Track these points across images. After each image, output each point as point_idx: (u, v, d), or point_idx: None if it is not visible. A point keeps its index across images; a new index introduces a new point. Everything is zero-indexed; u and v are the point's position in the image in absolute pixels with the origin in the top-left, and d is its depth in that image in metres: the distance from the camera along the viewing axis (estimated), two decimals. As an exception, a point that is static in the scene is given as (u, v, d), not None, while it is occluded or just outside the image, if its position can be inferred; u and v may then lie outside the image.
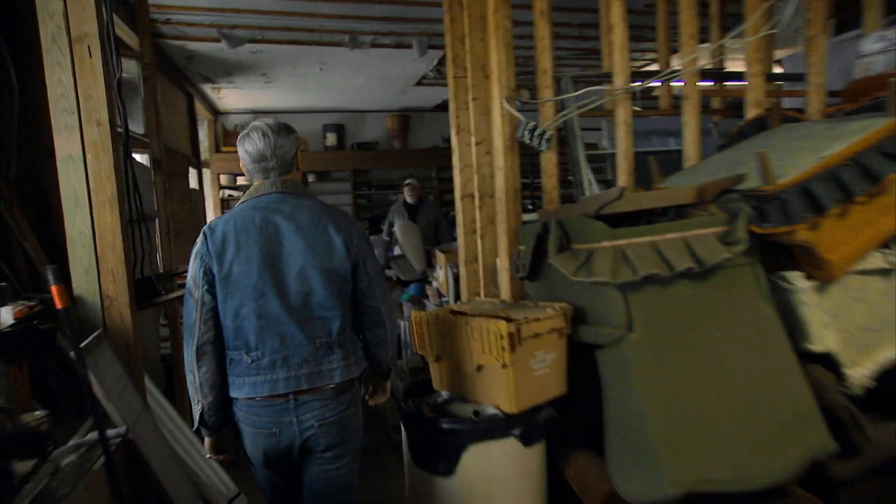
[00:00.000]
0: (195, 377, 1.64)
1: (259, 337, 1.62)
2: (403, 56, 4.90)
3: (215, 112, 7.45)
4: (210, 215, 7.36)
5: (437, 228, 5.89)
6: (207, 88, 6.05)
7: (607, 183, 3.27)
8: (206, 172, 7.31)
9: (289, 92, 6.58)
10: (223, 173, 7.57)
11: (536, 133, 2.29)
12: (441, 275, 3.90)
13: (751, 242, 1.45)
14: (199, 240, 1.66)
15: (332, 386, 1.62)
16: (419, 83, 6.37)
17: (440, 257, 3.97)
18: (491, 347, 1.60)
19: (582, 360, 1.59)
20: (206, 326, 1.63)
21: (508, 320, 1.65)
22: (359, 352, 1.74)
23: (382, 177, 8.31)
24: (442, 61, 5.17)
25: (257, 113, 7.78)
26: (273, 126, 1.70)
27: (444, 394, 1.93)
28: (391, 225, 5.94)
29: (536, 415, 1.66)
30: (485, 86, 2.67)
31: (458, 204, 2.99)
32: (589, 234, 1.60)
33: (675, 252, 1.44)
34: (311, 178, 8.10)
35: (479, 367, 1.62)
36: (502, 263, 2.40)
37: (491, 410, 1.70)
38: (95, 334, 1.72)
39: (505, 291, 2.45)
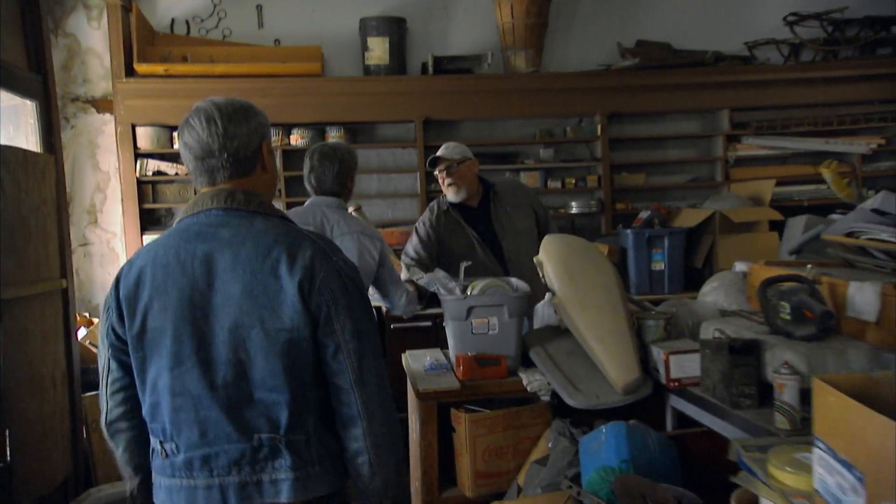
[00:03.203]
0: (115, 453, 1.65)
1: (174, 424, 1.49)
2: None
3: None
4: (112, 226, 4.66)
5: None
6: None
7: None
8: (102, 122, 4.59)
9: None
10: (144, 124, 4.50)
11: None
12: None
13: None
14: (113, 280, 1.56)
15: None
16: None
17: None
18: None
19: None
20: (113, 400, 1.59)
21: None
22: (333, 460, 1.54)
23: (490, 133, 5.16)
24: None
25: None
26: (224, 106, 1.55)
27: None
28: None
29: None
30: None
31: None
32: None
33: None
34: (332, 133, 4.75)
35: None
36: None
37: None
38: None
39: None
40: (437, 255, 3.45)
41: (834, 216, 2.90)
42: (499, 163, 5.02)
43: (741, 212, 4.50)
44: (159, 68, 4.41)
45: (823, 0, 5.07)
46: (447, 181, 3.39)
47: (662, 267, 4.54)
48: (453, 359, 2.78)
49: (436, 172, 3.44)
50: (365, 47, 4.82)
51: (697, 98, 5.07)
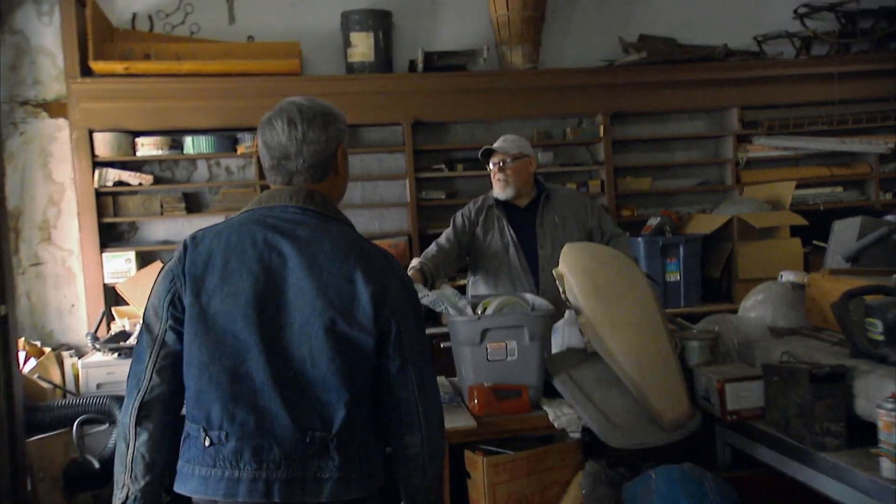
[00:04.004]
0: (128, 447, 1.56)
1: (227, 410, 1.50)
2: None
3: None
4: (68, 243, 4.21)
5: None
6: None
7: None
8: (56, 128, 4.19)
9: None
10: (103, 129, 4.13)
11: None
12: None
13: None
14: (177, 253, 1.59)
15: None
16: None
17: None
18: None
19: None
20: (159, 377, 1.56)
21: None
22: (372, 465, 1.57)
23: (484, 135, 4.66)
24: None
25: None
26: (306, 110, 1.61)
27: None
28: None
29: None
30: None
31: None
32: None
33: None
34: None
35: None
36: None
37: None
38: None
39: None
40: (467, 248, 3.20)
41: (893, 217, 2.55)
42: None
43: (762, 217, 4.18)
44: (119, 66, 3.99)
45: (836, -10, 4.78)
46: (498, 176, 3.16)
47: (678, 278, 4.20)
48: (465, 391, 2.38)
49: (489, 165, 3.21)
50: (347, 43, 4.46)
51: (705, 96, 4.75)
